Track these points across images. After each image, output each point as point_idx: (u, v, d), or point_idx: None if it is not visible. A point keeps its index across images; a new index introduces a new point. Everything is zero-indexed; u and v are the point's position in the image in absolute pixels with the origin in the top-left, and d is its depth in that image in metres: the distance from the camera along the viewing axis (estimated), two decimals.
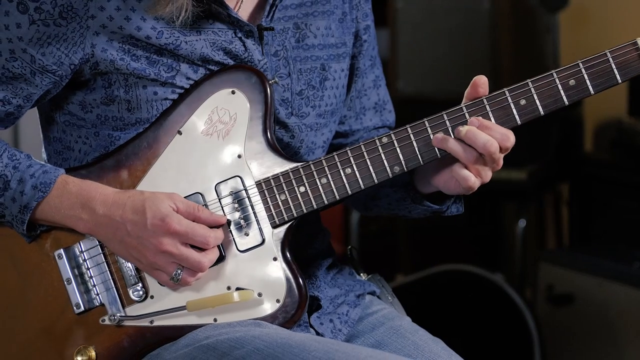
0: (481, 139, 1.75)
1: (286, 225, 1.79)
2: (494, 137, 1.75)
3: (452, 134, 1.78)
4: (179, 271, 1.73)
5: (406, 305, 2.04)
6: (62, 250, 1.80)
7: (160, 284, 1.78)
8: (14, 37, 1.74)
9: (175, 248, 1.72)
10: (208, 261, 1.74)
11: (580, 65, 1.77)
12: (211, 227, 1.75)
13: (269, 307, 1.78)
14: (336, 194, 1.80)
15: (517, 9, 4.13)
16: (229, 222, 1.78)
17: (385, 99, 2.06)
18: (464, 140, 1.76)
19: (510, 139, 1.76)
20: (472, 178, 1.78)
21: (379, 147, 1.80)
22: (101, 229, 1.76)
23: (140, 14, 1.75)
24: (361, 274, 2.02)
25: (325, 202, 1.80)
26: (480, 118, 1.76)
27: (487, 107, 1.78)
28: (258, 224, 1.79)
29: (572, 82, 1.77)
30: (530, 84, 1.78)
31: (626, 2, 4.09)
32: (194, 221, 1.73)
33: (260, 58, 1.83)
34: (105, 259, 1.79)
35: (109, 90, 1.79)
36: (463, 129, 1.76)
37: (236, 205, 1.79)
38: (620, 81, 1.77)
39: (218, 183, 1.79)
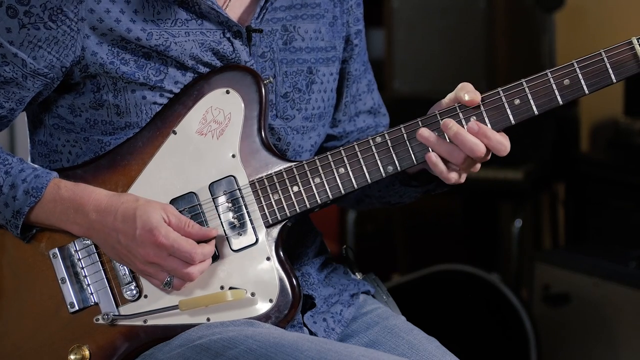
0: (469, 143, 1.73)
1: (280, 225, 1.79)
2: (489, 144, 1.74)
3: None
4: (170, 280, 1.74)
5: (402, 305, 2.04)
6: (57, 249, 1.80)
7: None
8: (5, 42, 1.74)
9: (163, 259, 1.72)
10: (197, 272, 1.74)
11: (575, 64, 1.76)
12: (201, 241, 1.74)
13: (262, 306, 1.78)
14: (329, 193, 1.80)
15: (513, 8, 4.13)
16: (222, 223, 1.78)
17: (380, 102, 2.07)
18: (452, 141, 1.75)
19: (505, 147, 1.75)
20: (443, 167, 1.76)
21: (373, 147, 1.79)
22: (94, 233, 1.76)
23: (129, 15, 1.75)
24: (356, 274, 2.02)
25: (319, 201, 1.79)
26: (480, 124, 1.75)
27: (481, 106, 1.77)
28: (252, 223, 1.79)
29: (566, 81, 1.76)
30: (524, 83, 1.77)
31: (622, 2, 4.09)
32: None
33: (247, 59, 1.83)
34: (100, 258, 1.79)
35: (97, 94, 1.78)
36: (451, 129, 1.75)
37: (230, 204, 1.79)
38: (615, 81, 1.76)
39: (212, 183, 1.79)
